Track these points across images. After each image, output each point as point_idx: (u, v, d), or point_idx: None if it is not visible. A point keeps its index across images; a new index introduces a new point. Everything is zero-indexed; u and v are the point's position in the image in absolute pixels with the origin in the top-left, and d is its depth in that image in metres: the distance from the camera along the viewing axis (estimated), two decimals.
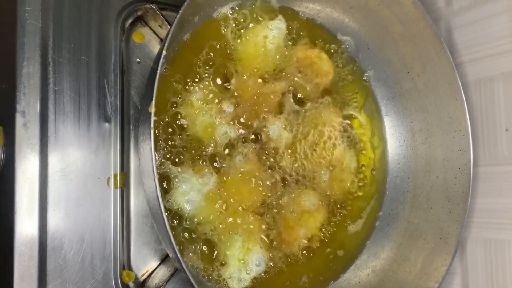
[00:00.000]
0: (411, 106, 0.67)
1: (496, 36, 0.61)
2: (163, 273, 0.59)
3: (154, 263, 0.60)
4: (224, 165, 0.56)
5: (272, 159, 0.60)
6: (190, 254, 0.53)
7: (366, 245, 0.66)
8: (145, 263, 0.60)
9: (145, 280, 0.59)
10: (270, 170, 0.60)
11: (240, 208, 0.56)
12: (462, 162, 0.61)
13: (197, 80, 0.56)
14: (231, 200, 0.56)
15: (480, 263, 0.62)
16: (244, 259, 0.54)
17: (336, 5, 0.65)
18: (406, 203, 0.66)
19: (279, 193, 0.60)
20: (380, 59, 0.68)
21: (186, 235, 0.54)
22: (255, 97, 0.60)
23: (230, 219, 0.55)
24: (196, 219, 0.54)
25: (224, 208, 0.55)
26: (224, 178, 0.56)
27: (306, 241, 0.61)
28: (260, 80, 0.61)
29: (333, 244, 0.64)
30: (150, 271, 0.60)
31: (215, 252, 0.55)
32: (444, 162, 0.63)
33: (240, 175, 0.57)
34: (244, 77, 0.59)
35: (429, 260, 0.60)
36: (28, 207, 0.52)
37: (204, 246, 0.54)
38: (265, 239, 0.58)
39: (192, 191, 0.52)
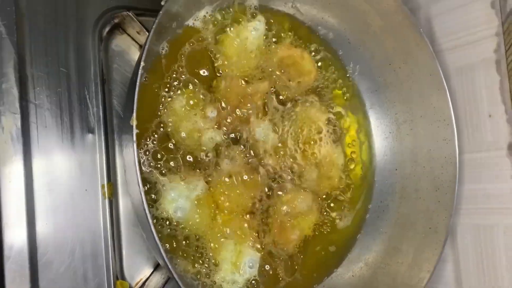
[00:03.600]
0: (395, 98, 0.67)
1: (475, 22, 0.61)
2: (156, 280, 0.59)
3: (147, 271, 0.60)
4: (211, 170, 0.56)
5: (260, 161, 0.60)
6: (182, 260, 0.53)
7: (358, 238, 0.67)
8: (138, 272, 0.60)
9: None
10: (258, 172, 0.60)
11: (230, 211, 0.56)
12: (447, 151, 0.61)
13: (178, 86, 0.56)
14: (220, 204, 0.56)
15: (471, 249, 0.62)
16: (237, 262, 0.55)
17: (315, 1, 0.65)
18: (394, 195, 0.67)
19: (269, 193, 0.60)
20: (362, 53, 0.68)
21: (176, 242, 0.54)
22: (239, 98, 0.60)
23: (220, 223, 0.55)
24: (186, 226, 0.54)
25: (213, 212, 0.55)
26: (212, 183, 0.56)
27: (299, 242, 0.62)
28: (242, 82, 0.61)
29: (325, 241, 0.64)
30: (143, 279, 0.60)
31: (207, 257, 0.55)
32: (430, 152, 0.63)
33: (228, 178, 0.57)
34: (226, 80, 0.59)
35: (420, 250, 0.61)
36: (16, 223, 0.51)
37: (195, 252, 0.54)
38: (257, 240, 0.58)
39: (180, 198, 0.52)
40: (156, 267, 0.60)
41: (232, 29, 0.60)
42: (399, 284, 0.60)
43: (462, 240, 0.63)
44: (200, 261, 0.54)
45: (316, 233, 0.64)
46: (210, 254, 0.54)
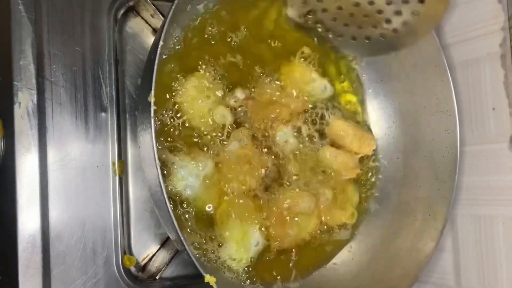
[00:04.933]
0: (400, 89, 0.68)
1: (482, 17, 0.62)
2: (163, 256, 0.61)
3: (154, 247, 0.62)
4: (218, 149, 0.57)
5: (267, 148, 0.61)
6: (189, 236, 0.55)
7: (358, 227, 0.68)
8: (146, 248, 0.61)
9: (146, 264, 0.61)
10: (266, 155, 0.61)
11: (237, 191, 0.57)
12: (449, 141, 0.62)
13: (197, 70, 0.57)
14: (228, 183, 0.57)
15: (471, 240, 0.63)
16: (243, 241, 0.56)
17: None
18: (396, 182, 0.68)
19: (275, 181, 0.61)
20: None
21: (185, 218, 0.55)
22: (269, 103, 0.61)
23: (227, 202, 0.57)
24: (194, 203, 0.55)
25: (221, 191, 0.57)
26: (220, 163, 0.57)
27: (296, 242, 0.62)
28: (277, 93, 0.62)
29: (328, 230, 0.66)
30: (150, 255, 0.61)
31: (214, 234, 0.56)
32: (432, 142, 0.64)
33: (235, 159, 0.58)
34: (266, 80, 0.61)
35: (419, 236, 0.62)
36: (29, 197, 0.53)
37: (203, 229, 0.56)
38: (262, 222, 0.59)
39: (190, 177, 0.54)
40: (163, 243, 0.62)
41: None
42: (398, 268, 0.61)
43: (462, 230, 0.64)
44: (206, 238, 0.56)
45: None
46: (217, 232, 0.56)
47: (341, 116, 0.67)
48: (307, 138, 0.64)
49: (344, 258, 0.66)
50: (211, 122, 0.57)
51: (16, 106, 0.53)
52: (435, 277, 0.67)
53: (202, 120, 0.56)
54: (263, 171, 0.59)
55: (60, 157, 0.56)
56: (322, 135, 0.65)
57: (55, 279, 0.54)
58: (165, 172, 0.54)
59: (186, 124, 0.56)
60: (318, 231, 0.64)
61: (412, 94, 0.67)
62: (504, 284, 0.59)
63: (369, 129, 0.70)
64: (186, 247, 0.45)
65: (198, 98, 0.56)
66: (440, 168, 0.63)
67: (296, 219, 0.61)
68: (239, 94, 0.58)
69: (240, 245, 0.55)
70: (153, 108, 0.43)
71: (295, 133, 0.63)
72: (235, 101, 0.59)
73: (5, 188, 0.54)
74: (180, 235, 0.44)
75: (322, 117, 0.66)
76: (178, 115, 0.56)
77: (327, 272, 0.65)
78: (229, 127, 0.58)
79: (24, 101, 0.53)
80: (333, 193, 0.64)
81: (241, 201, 0.57)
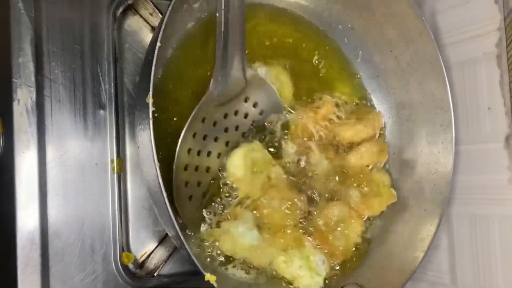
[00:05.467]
0: (395, 84, 0.69)
1: (478, 17, 0.62)
2: (161, 253, 0.61)
3: (152, 245, 0.62)
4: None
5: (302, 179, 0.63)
6: None
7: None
8: (144, 245, 0.62)
9: (144, 261, 0.61)
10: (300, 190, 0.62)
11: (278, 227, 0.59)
12: (444, 137, 0.63)
13: None
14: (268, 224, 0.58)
15: (466, 238, 0.63)
16: (310, 265, 0.57)
17: None
18: (392, 177, 0.68)
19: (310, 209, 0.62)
20: (365, 40, 0.69)
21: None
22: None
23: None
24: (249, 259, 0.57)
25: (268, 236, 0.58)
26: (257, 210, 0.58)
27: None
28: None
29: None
30: (148, 252, 0.62)
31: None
32: (428, 137, 0.65)
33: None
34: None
35: (415, 231, 0.63)
36: (28, 195, 0.53)
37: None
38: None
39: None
40: (161, 241, 0.62)
41: None
42: (395, 262, 0.62)
43: (457, 228, 0.64)
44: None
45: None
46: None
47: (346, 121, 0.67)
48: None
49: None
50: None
51: (15, 104, 0.53)
52: (431, 274, 0.67)
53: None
54: (299, 203, 0.60)
55: (59, 155, 0.56)
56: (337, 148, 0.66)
57: (54, 276, 0.54)
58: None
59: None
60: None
61: (408, 91, 0.67)
62: (499, 282, 0.60)
63: (367, 106, 0.71)
64: (185, 244, 0.45)
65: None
66: (435, 163, 0.64)
67: (339, 229, 0.62)
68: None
69: (312, 270, 0.57)
70: (151, 109, 0.44)
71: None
72: None
73: (4, 186, 0.54)
74: (179, 233, 0.45)
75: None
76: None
77: None
78: None
79: (23, 98, 0.54)
80: (359, 189, 0.65)
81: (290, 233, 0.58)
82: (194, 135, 0.54)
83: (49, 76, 0.56)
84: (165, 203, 0.44)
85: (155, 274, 0.60)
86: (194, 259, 0.46)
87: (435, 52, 0.62)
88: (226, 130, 0.58)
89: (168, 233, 0.54)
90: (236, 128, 0.59)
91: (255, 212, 0.58)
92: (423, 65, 0.64)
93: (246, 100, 0.59)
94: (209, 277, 0.47)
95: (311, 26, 0.69)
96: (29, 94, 0.54)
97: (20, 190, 0.53)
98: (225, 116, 0.57)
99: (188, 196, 0.54)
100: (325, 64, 0.69)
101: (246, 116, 0.60)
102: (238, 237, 0.55)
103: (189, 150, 0.53)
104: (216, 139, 0.57)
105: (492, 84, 0.61)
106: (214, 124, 0.56)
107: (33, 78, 0.54)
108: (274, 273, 0.57)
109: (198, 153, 0.55)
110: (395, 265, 0.62)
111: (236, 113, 0.59)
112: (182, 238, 0.45)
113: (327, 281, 0.59)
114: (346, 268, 0.63)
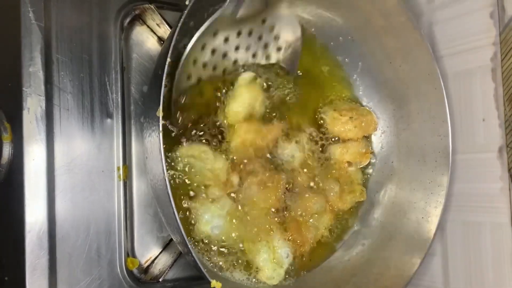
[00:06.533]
0: (393, 95, 0.70)
1: (474, 31, 0.63)
2: (165, 259, 0.62)
3: (156, 250, 0.63)
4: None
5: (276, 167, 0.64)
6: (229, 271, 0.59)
7: (354, 226, 0.71)
8: (148, 250, 0.63)
9: (148, 266, 0.62)
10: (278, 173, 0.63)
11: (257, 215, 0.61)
12: (441, 147, 0.64)
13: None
14: (248, 211, 0.60)
15: (459, 245, 0.65)
16: (275, 257, 0.60)
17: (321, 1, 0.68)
18: (391, 186, 0.70)
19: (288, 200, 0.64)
20: (364, 51, 0.70)
21: (221, 258, 0.59)
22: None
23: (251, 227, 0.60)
24: (224, 240, 0.59)
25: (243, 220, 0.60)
26: (236, 197, 0.61)
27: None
28: None
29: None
30: (153, 257, 0.63)
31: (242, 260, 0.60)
32: (425, 147, 0.66)
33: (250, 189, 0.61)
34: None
35: (413, 238, 0.64)
36: (37, 200, 0.54)
37: (239, 260, 0.60)
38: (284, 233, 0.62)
39: (214, 219, 0.57)
40: (165, 246, 0.63)
41: None
42: (392, 268, 0.64)
43: (451, 235, 0.66)
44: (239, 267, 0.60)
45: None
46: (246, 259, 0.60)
47: (336, 113, 0.69)
48: (311, 147, 0.67)
49: (340, 259, 0.68)
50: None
51: (25, 112, 0.54)
52: (426, 280, 0.69)
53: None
54: (280, 189, 0.62)
55: (67, 162, 0.57)
56: (326, 137, 0.69)
57: (61, 280, 0.55)
58: (192, 221, 0.57)
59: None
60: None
61: (406, 101, 0.69)
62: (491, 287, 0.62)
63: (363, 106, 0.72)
64: (191, 250, 0.46)
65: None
66: (433, 172, 0.65)
67: (311, 220, 0.64)
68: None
69: (274, 263, 0.59)
70: (161, 122, 0.45)
71: (298, 144, 0.66)
72: None
73: (13, 191, 0.55)
74: (186, 240, 0.46)
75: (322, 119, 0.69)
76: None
77: (323, 273, 0.67)
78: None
79: (33, 106, 0.54)
80: (339, 184, 0.67)
81: (263, 223, 0.60)
82: (203, 47, 0.53)
83: (58, 85, 0.57)
84: (174, 212, 0.46)
85: (160, 280, 0.61)
86: (200, 266, 0.48)
87: (432, 64, 0.64)
88: (237, 48, 0.57)
89: (174, 239, 0.55)
90: (248, 48, 0.59)
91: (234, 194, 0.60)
92: (421, 77, 0.66)
93: (263, 22, 0.58)
94: (215, 283, 0.49)
95: (311, 38, 0.70)
96: (39, 103, 0.55)
97: (29, 195, 0.54)
98: (238, 33, 0.56)
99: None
100: (327, 71, 0.71)
101: (260, 38, 0.59)
102: (204, 221, 0.57)
103: (194, 62, 0.53)
104: (224, 55, 0.56)
105: (487, 96, 0.62)
106: (226, 39, 0.55)
107: (42, 87, 0.55)
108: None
109: (204, 65, 0.55)
110: (393, 271, 0.63)
111: (250, 33, 0.58)
112: (188, 245, 0.47)
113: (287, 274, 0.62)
114: (313, 260, 0.66)
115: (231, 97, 0.60)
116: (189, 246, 0.46)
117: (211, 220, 0.57)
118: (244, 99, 0.60)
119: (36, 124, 0.55)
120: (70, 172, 0.57)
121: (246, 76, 0.61)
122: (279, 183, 0.61)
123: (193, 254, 0.47)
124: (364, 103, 0.73)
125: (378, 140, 0.73)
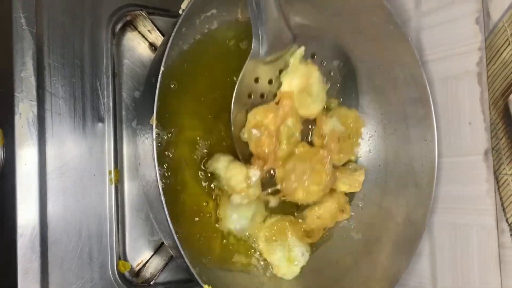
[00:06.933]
0: (382, 100, 0.70)
1: (462, 37, 0.64)
2: (157, 262, 0.63)
3: (148, 254, 0.64)
4: None
5: None
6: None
7: (341, 227, 0.71)
8: (140, 254, 0.63)
9: (140, 270, 0.63)
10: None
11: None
12: (427, 151, 0.65)
13: None
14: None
15: (446, 246, 0.65)
16: (290, 257, 0.62)
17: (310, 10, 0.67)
18: (377, 189, 0.70)
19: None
20: (353, 58, 0.70)
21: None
22: None
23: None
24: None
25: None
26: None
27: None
28: None
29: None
30: (144, 261, 0.63)
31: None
32: (412, 151, 0.67)
33: None
34: None
35: (399, 241, 0.65)
36: (29, 204, 0.55)
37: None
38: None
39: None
40: (157, 250, 0.64)
41: None
42: (379, 270, 0.64)
43: (438, 237, 0.66)
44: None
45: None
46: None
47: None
48: None
49: (328, 261, 0.68)
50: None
51: (17, 117, 0.54)
52: (413, 280, 0.69)
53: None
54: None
55: (59, 166, 0.57)
56: None
57: (53, 283, 0.56)
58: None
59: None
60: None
61: (393, 106, 0.69)
62: (477, 287, 0.62)
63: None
64: (184, 254, 0.47)
65: None
66: (419, 176, 0.66)
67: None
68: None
69: (290, 262, 0.61)
70: (155, 130, 0.46)
71: None
72: None
73: (5, 195, 0.55)
74: (178, 243, 0.47)
75: None
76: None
77: (311, 276, 0.67)
78: None
79: (25, 112, 0.55)
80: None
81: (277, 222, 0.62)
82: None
83: (50, 90, 0.57)
84: (166, 218, 0.46)
85: (151, 283, 0.61)
86: (191, 269, 0.48)
87: (419, 70, 0.64)
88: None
89: (166, 243, 0.55)
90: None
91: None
92: (408, 82, 0.66)
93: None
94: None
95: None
96: (31, 108, 0.55)
97: (21, 199, 0.54)
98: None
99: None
100: None
101: None
102: (228, 218, 0.59)
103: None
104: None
105: (473, 100, 0.63)
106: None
107: (34, 92, 0.55)
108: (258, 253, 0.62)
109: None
110: (380, 273, 0.64)
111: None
112: (180, 247, 0.47)
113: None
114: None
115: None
116: (181, 250, 0.47)
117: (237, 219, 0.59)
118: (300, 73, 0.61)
119: (28, 128, 0.55)
120: (62, 176, 0.58)
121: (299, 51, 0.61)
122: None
123: (185, 258, 0.47)
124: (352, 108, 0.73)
125: (365, 144, 0.73)
